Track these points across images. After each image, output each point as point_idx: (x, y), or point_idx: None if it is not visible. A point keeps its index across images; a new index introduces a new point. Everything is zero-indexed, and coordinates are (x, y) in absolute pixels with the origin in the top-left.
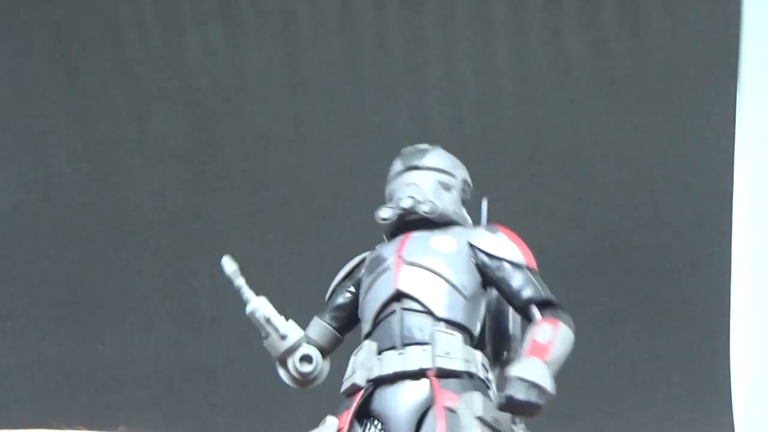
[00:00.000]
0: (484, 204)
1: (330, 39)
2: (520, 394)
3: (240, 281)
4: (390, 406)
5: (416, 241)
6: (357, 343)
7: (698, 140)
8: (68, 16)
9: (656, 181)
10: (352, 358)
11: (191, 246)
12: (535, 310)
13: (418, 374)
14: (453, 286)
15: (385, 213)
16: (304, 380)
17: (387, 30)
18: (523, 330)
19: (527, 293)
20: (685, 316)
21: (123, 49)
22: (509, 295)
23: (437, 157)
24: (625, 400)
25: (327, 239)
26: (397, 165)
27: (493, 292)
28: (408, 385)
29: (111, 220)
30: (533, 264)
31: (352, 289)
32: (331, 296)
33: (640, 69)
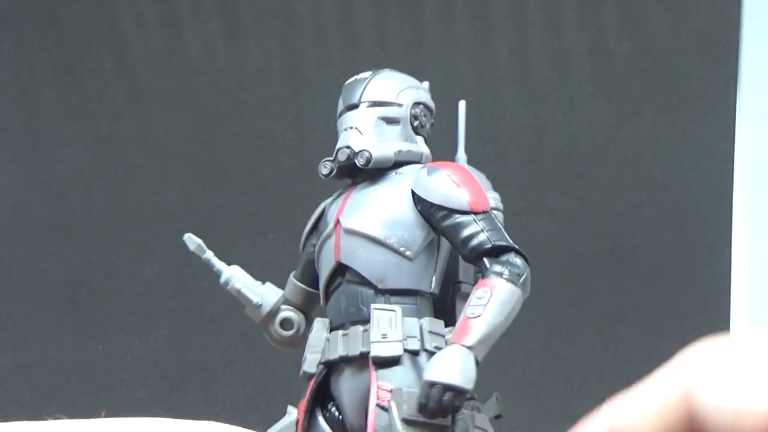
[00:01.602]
0: (461, 106)
1: (330, 39)
2: (432, 401)
3: (208, 254)
4: (341, 391)
5: (355, 200)
6: None
7: (698, 140)
8: (68, 16)
9: (656, 181)
10: (309, 337)
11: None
12: (484, 264)
13: (359, 358)
14: (394, 250)
15: (325, 169)
16: (289, 343)
17: (387, 30)
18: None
19: (473, 244)
20: (685, 316)
21: (123, 49)
22: (457, 247)
23: (378, 86)
24: None
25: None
26: (339, 102)
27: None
28: (352, 369)
29: (111, 220)
30: (482, 207)
31: (316, 242)
32: (301, 253)
33: (640, 69)
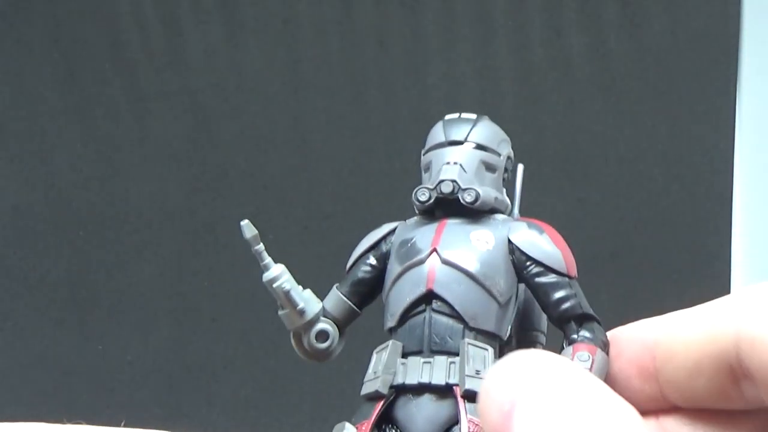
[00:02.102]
0: (520, 170)
1: (330, 39)
2: None
3: (260, 246)
4: (412, 418)
5: (454, 233)
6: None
7: (698, 140)
8: (68, 16)
9: (656, 181)
10: (375, 357)
11: (191, 246)
12: (572, 327)
13: (444, 389)
14: (489, 292)
15: (423, 196)
16: (318, 357)
17: (387, 30)
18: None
19: (565, 307)
20: None
21: (123, 49)
22: (545, 305)
23: (483, 131)
24: None
25: (327, 239)
26: (438, 133)
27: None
28: (432, 398)
29: (111, 220)
30: (574, 272)
31: (375, 263)
32: (352, 267)
33: (640, 69)
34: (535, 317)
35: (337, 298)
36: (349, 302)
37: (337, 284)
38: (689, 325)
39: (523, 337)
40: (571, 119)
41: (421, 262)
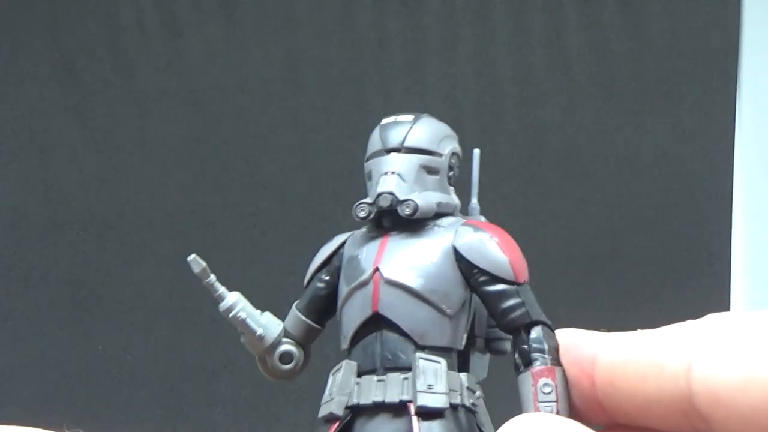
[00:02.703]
0: (476, 156)
1: (330, 39)
2: None
3: (211, 278)
4: None
5: (396, 249)
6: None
7: (698, 140)
8: (68, 16)
9: (656, 181)
10: (330, 378)
11: (191, 246)
12: (521, 336)
13: (398, 406)
14: (436, 307)
15: (362, 212)
16: (284, 377)
17: (387, 30)
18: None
19: (513, 316)
20: (685, 316)
21: (123, 49)
22: (493, 314)
23: (421, 133)
24: None
25: (327, 239)
26: (375, 141)
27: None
28: (387, 417)
29: (111, 220)
30: (524, 277)
31: (329, 278)
32: (308, 284)
33: (640, 69)
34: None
35: (296, 317)
36: (309, 321)
37: (297, 301)
38: (634, 351)
39: (492, 334)
40: (571, 119)
41: (365, 283)
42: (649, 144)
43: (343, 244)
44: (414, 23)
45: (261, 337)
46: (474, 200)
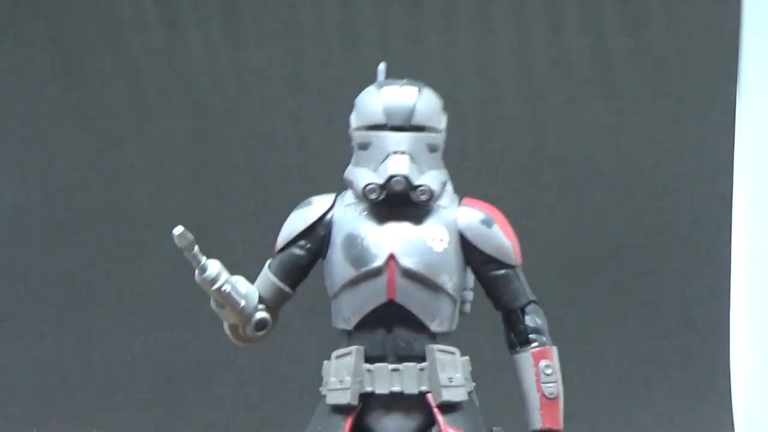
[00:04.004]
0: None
1: (330, 39)
2: None
3: (195, 249)
4: (385, 426)
5: (407, 234)
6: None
7: (698, 140)
8: (68, 16)
9: (656, 181)
10: (335, 363)
11: None
12: (517, 316)
13: (417, 397)
14: (446, 293)
15: (374, 194)
16: (253, 342)
17: (387, 30)
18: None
19: (514, 299)
20: (685, 316)
21: (123, 49)
22: (494, 297)
23: (426, 109)
24: (625, 400)
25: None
26: (376, 110)
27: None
28: (404, 406)
29: (111, 220)
30: (520, 258)
31: (311, 246)
32: (285, 248)
33: (640, 69)
34: (465, 278)
35: (271, 283)
36: (284, 286)
37: (269, 262)
38: None
39: (462, 297)
40: (571, 119)
41: (380, 271)
42: (649, 144)
43: (328, 211)
44: (414, 23)
45: (242, 308)
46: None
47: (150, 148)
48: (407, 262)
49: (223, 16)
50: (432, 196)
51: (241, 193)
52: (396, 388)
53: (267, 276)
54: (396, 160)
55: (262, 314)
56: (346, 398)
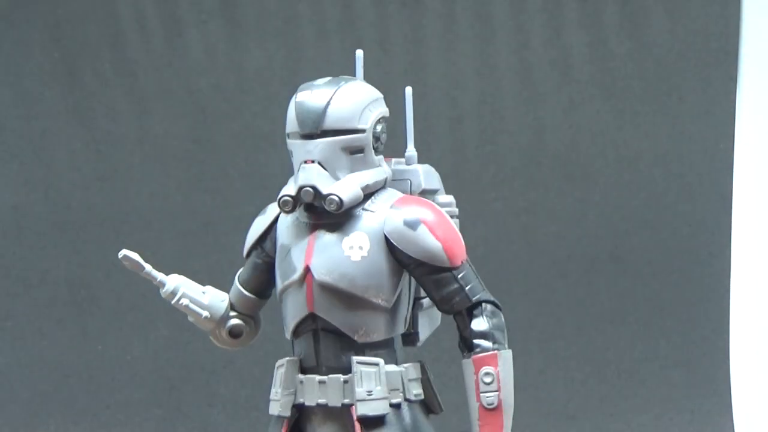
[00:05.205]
0: (408, 95)
1: (330, 39)
2: None
3: (147, 267)
4: None
5: (325, 244)
6: None
7: (698, 140)
8: (68, 16)
9: (656, 182)
10: (276, 373)
11: (191, 246)
12: (463, 319)
13: (341, 409)
14: (371, 304)
15: (287, 206)
16: (236, 347)
17: (387, 30)
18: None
19: (453, 302)
20: (685, 316)
21: (123, 49)
22: (434, 300)
23: (339, 111)
24: (625, 400)
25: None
26: (291, 117)
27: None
28: (331, 418)
29: (111, 220)
30: (460, 258)
31: (264, 255)
32: (248, 255)
33: (640, 69)
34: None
35: (239, 292)
36: (251, 295)
37: (240, 271)
38: None
39: (419, 305)
40: (571, 119)
41: (298, 283)
42: (649, 144)
43: (276, 220)
44: (414, 23)
45: (207, 318)
46: (410, 146)
47: (150, 148)
48: (321, 275)
49: (223, 16)
50: (341, 205)
51: (241, 193)
52: (322, 401)
53: (236, 286)
54: (305, 170)
55: (233, 321)
56: (277, 410)
